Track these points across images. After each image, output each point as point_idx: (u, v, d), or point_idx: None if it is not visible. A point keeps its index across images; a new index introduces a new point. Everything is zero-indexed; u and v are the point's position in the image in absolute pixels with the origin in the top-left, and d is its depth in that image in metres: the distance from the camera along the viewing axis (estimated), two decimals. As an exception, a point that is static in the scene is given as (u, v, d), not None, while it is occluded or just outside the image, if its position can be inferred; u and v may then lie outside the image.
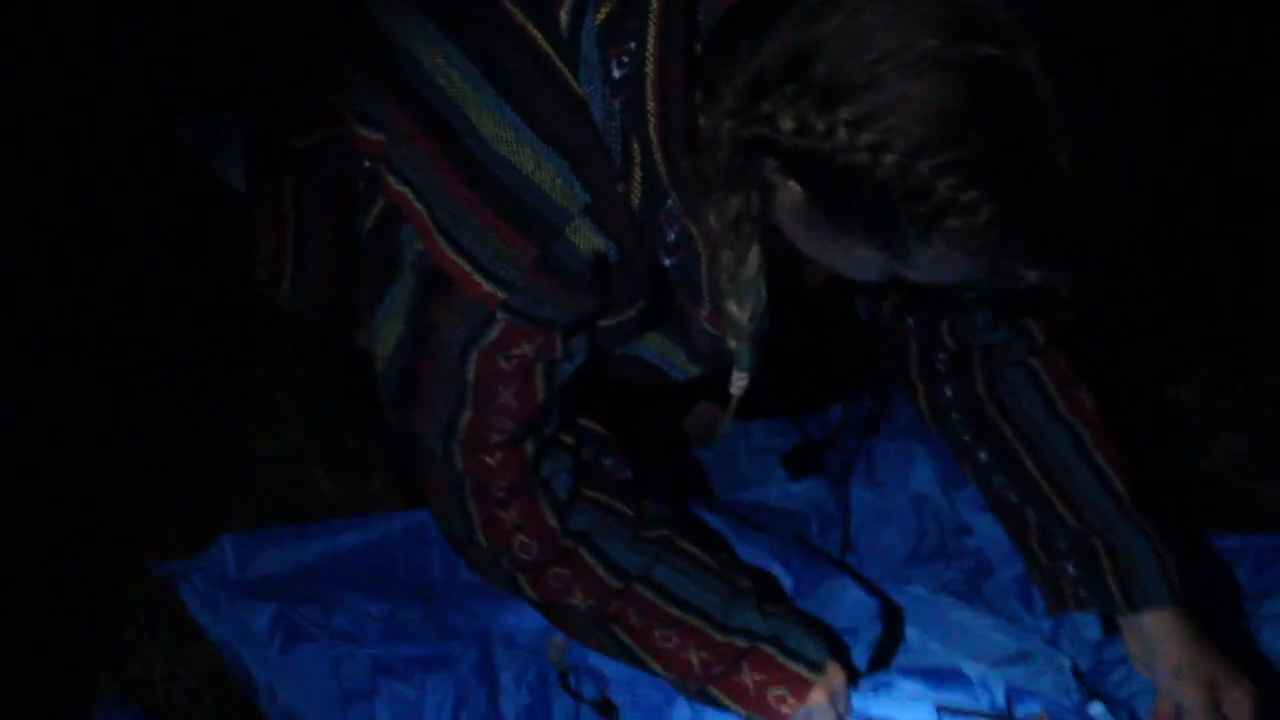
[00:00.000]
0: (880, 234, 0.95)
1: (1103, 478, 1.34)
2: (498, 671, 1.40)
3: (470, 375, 1.15)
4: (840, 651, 1.34)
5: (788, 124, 0.91)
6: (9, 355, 1.72)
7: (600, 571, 1.25)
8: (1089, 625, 1.40)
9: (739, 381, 1.16)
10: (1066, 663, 1.39)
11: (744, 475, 1.60)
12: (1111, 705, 1.38)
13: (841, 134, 0.89)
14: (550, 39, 1.03)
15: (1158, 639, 1.30)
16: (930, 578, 1.50)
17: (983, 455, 1.38)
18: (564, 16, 1.03)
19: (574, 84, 1.03)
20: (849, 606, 1.38)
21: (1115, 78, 0.89)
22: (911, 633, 1.44)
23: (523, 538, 1.23)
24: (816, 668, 1.28)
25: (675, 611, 1.27)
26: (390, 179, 1.10)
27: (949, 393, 1.39)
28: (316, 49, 1.33)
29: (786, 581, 1.40)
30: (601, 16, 1.02)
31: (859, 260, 1.00)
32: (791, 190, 0.98)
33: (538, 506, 1.22)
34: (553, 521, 1.23)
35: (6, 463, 1.63)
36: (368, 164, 1.16)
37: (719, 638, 1.27)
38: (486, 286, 1.09)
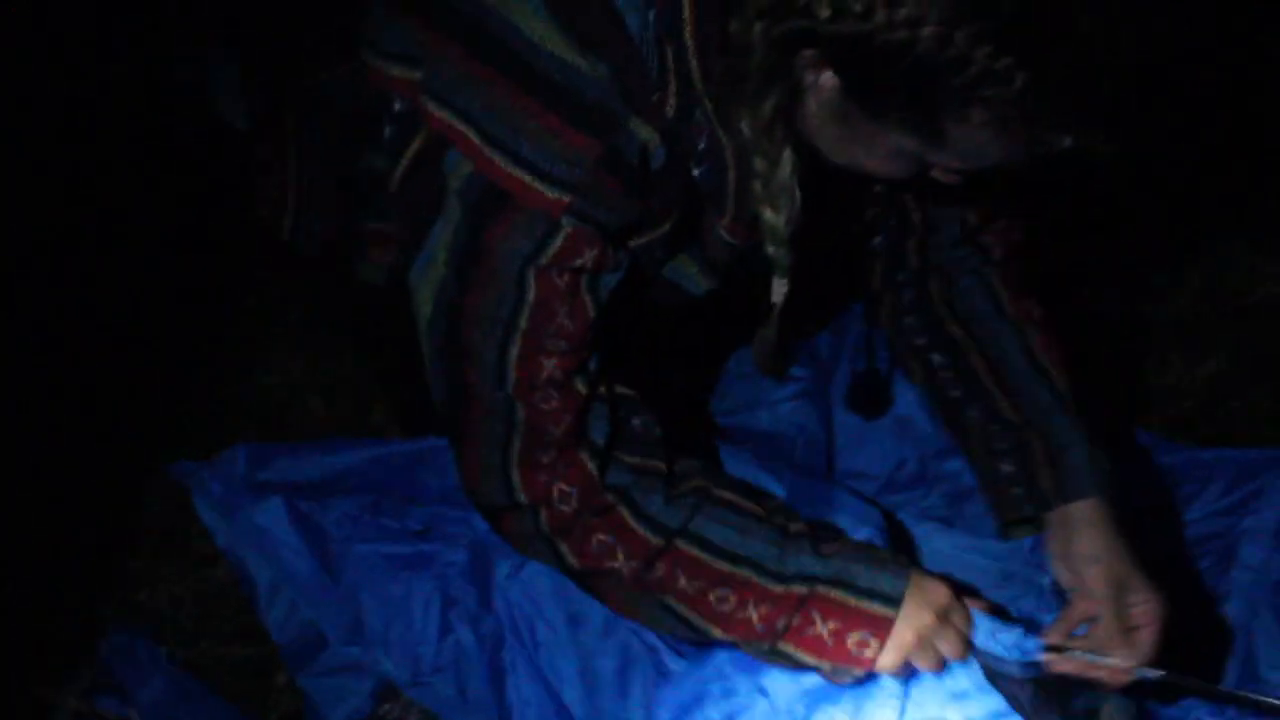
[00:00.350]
0: (917, 114, 0.97)
1: (1044, 376, 1.34)
2: (494, 564, 1.41)
3: (530, 295, 1.11)
4: (935, 582, 1.22)
5: (824, 10, 0.94)
6: (28, 296, 1.75)
7: (641, 529, 1.19)
8: None
9: (779, 288, 1.15)
10: (1047, 581, 1.39)
11: (733, 399, 1.61)
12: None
13: (880, 13, 0.92)
14: None
15: (1079, 527, 1.28)
16: (910, 504, 1.52)
17: (935, 357, 1.39)
18: None
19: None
20: (848, 518, 1.35)
21: None
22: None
23: (562, 486, 1.18)
24: (893, 602, 1.18)
25: (725, 566, 1.19)
26: (430, 106, 1.08)
27: (906, 298, 1.41)
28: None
29: (779, 494, 1.38)
30: None
31: (890, 153, 1.02)
32: (825, 84, 1.00)
33: (579, 456, 1.18)
34: (593, 469, 1.18)
35: (16, 393, 1.66)
36: (398, 106, 1.14)
37: (776, 588, 1.19)
38: (550, 193, 1.07)
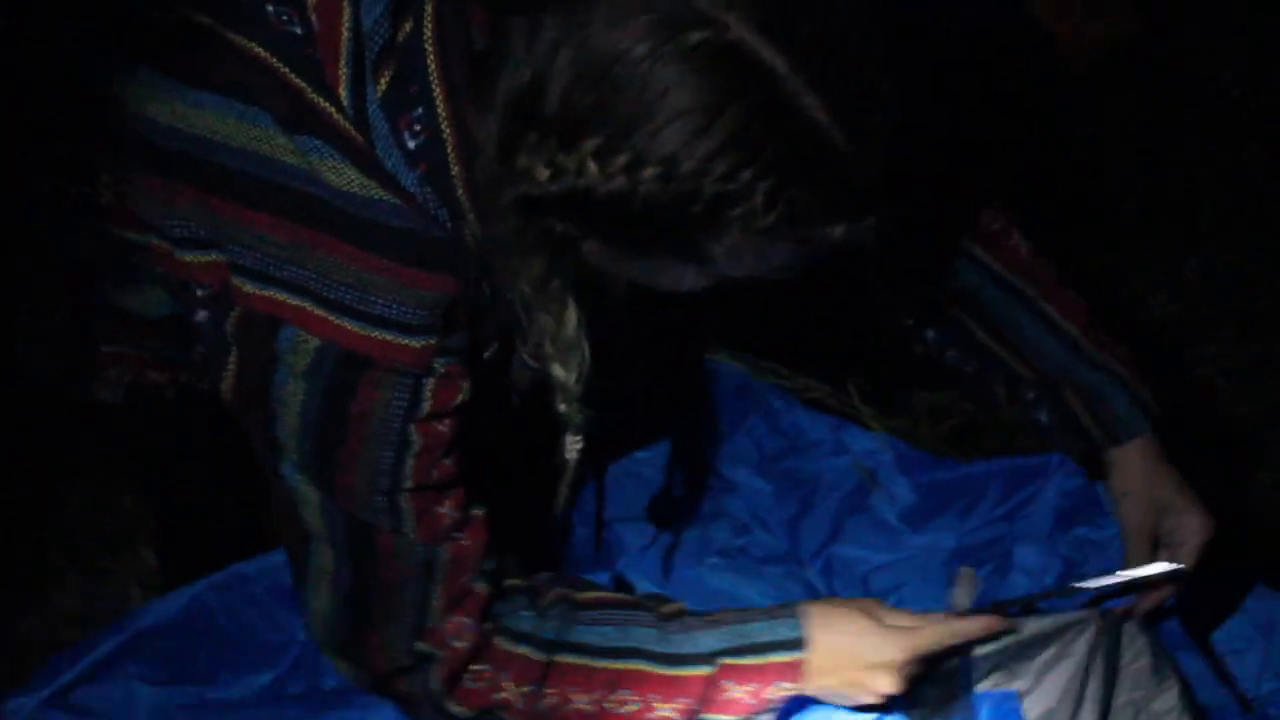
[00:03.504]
0: (675, 248, 0.93)
1: (1052, 325, 1.34)
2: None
3: (414, 448, 1.06)
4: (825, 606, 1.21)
5: (543, 174, 0.90)
6: None
7: (520, 649, 1.13)
8: (858, 561, 1.48)
9: (573, 446, 1.10)
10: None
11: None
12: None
13: (592, 166, 0.89)
14: (343, 115, 0.98)
15: (1117, 467, 1.33)
16: (692, 541, 1.51)
17: (930, 334, 1.38)
18: (344, 92, 0.98)
19: (377, 157, 0.99)
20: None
21: (825, 19, 0.89)
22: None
23: (458, 619, 1.11)
24: (796, 646, 1.16)
25: (615, 665, 1.14)
26: (249, 287, 1.01)
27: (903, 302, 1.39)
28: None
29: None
30: (383, 87, 0.98)
31: (678, 278, 0.98)
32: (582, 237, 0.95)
33: (472, 585, 1.12)
34: (484, 592, 1.12)
35: None
36: (200, 291, 1.05)
37: (673, 671, 1.15)
38: (417, 343, 1.02)
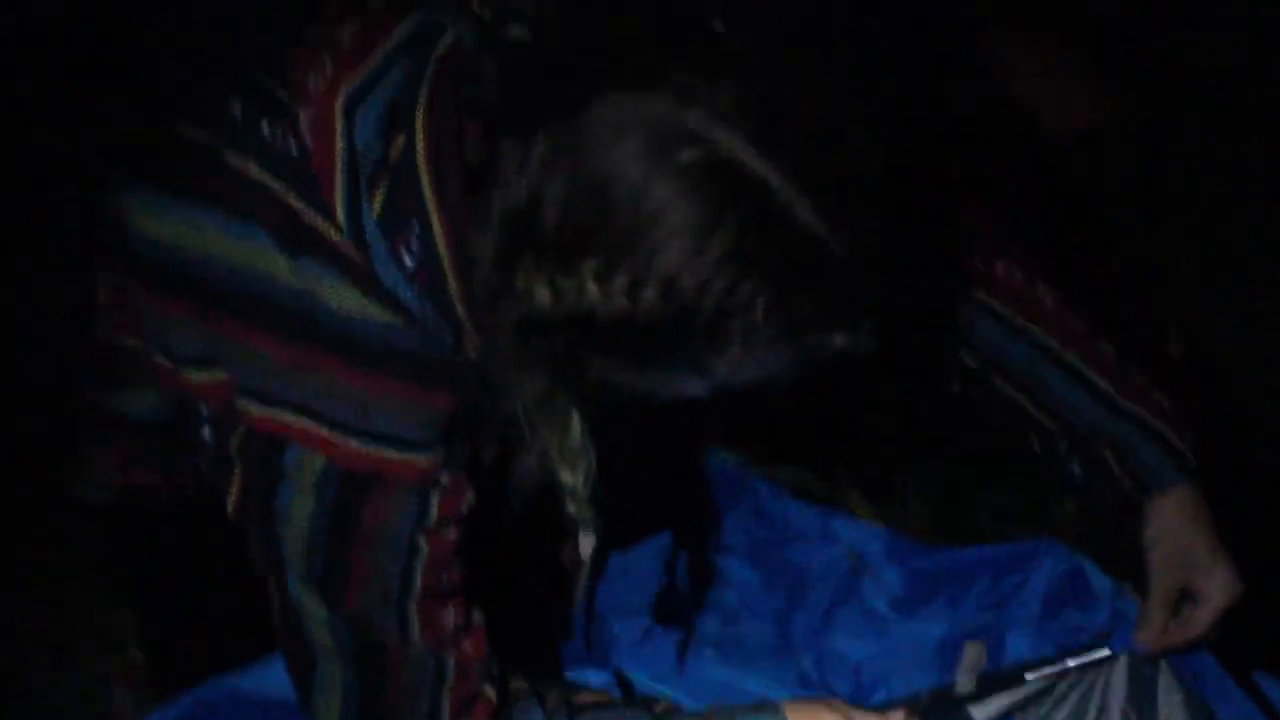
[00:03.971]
0: (676, 363, 0.93)
1: (1080, 379, 1.32)
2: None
3: (423, 556, 1.05)
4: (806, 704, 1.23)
5: (544, 295, 0.90)
6: None
7: None
8: (849, 650, 1.47)
9: (586, 544, 1.10)
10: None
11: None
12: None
13: (592, 288, 0.88)
14: (340, 234, 0.98)
15: (1152, 515, 1.31)
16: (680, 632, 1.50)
17: (953, 392, 1.37)
18: (340, 211, 0.98)
19: (376, 275, 0.98)
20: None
21: (818, 122, 0.88)
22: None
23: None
24: None
25: None
26: (253, 408, 1.01)
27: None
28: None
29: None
30: (378, 206, 0.97)
31: (680, 388, 0.97)
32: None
33: (482, 689, 1.12)
34: (492, 696, 1.12)
35: None
36: (205, 410, 1.05)
37: None
38: (423, 460, 1.02)
